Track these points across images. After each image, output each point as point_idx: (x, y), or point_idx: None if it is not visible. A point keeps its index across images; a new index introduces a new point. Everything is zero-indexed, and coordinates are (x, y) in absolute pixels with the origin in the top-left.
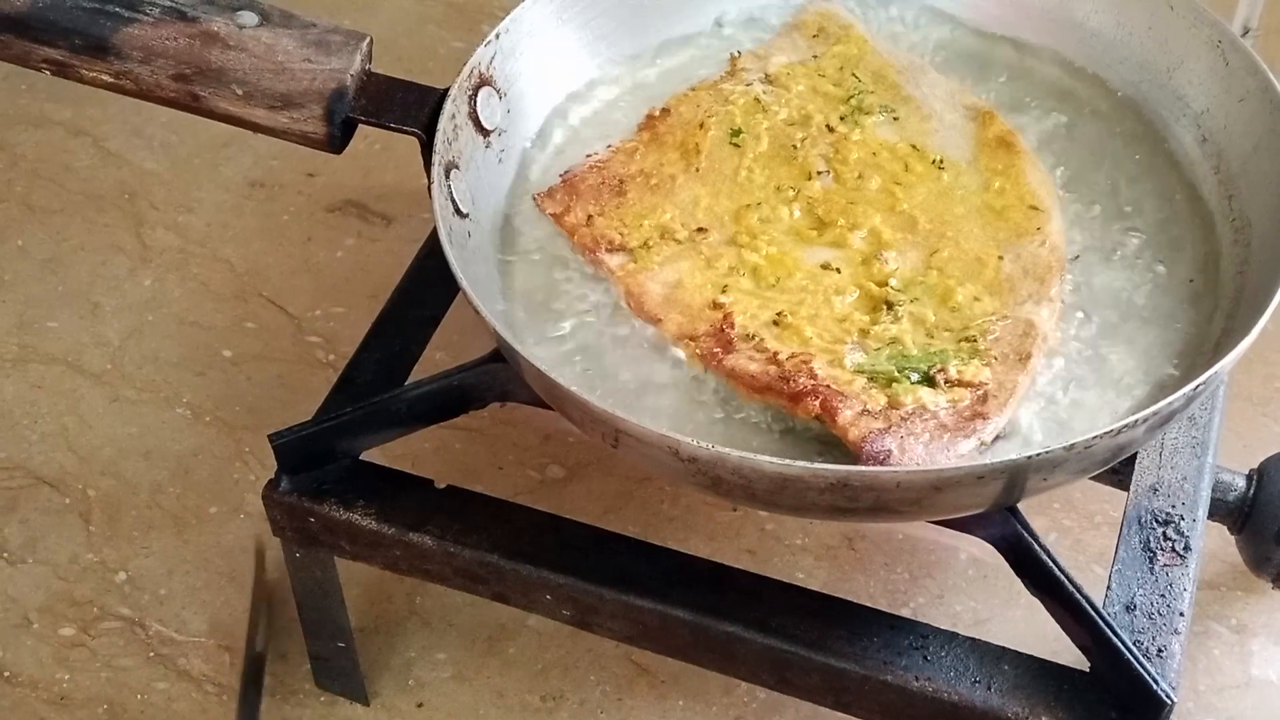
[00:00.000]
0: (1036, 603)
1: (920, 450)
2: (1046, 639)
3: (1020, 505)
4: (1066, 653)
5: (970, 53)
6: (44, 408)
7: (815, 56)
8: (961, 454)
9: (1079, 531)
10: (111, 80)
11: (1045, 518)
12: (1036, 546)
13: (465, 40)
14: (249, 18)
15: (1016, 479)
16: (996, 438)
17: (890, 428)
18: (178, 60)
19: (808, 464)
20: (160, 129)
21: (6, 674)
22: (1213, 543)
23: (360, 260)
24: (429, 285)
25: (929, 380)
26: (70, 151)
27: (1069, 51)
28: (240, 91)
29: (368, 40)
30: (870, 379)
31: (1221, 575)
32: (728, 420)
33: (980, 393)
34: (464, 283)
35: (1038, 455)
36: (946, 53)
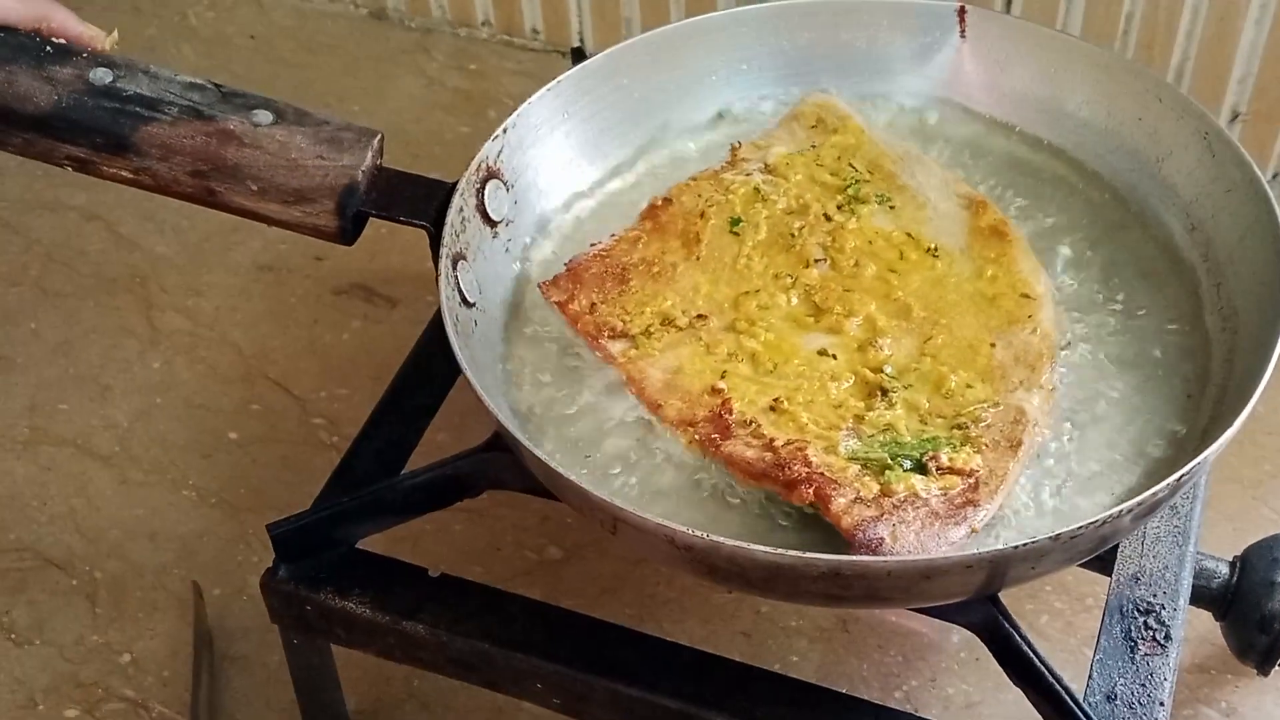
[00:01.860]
0: None
1: (912, 538)
2: None
3: (1004, 593)
4: None
5: (965, 143)
6: (53, 490)
7: (814, 146)
8: (952, 541)
9: (1070, 614)
10: (131, 176)
11: (1037, 600)
12: (1016, 636)
13: (471, 126)
14: (264, 116)
15: (1004, 568)
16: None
17: (882, 515)
18: (195, 157)
19: (800, 553)
20: (172, 214)
21: None
22: (1202, 626)
23: (365, 342)
24: (429, 371)
25: (921, 467)
26: (84, 236)
27: (1061, 142)
28: (255, 187)
29: (379, 137)
30: (864, 466)
31: (1212, 659)
32: (725, 505)
33: (971, 480)
34: (469, 373)
35: (1024, 545)
36: (941, 143)
